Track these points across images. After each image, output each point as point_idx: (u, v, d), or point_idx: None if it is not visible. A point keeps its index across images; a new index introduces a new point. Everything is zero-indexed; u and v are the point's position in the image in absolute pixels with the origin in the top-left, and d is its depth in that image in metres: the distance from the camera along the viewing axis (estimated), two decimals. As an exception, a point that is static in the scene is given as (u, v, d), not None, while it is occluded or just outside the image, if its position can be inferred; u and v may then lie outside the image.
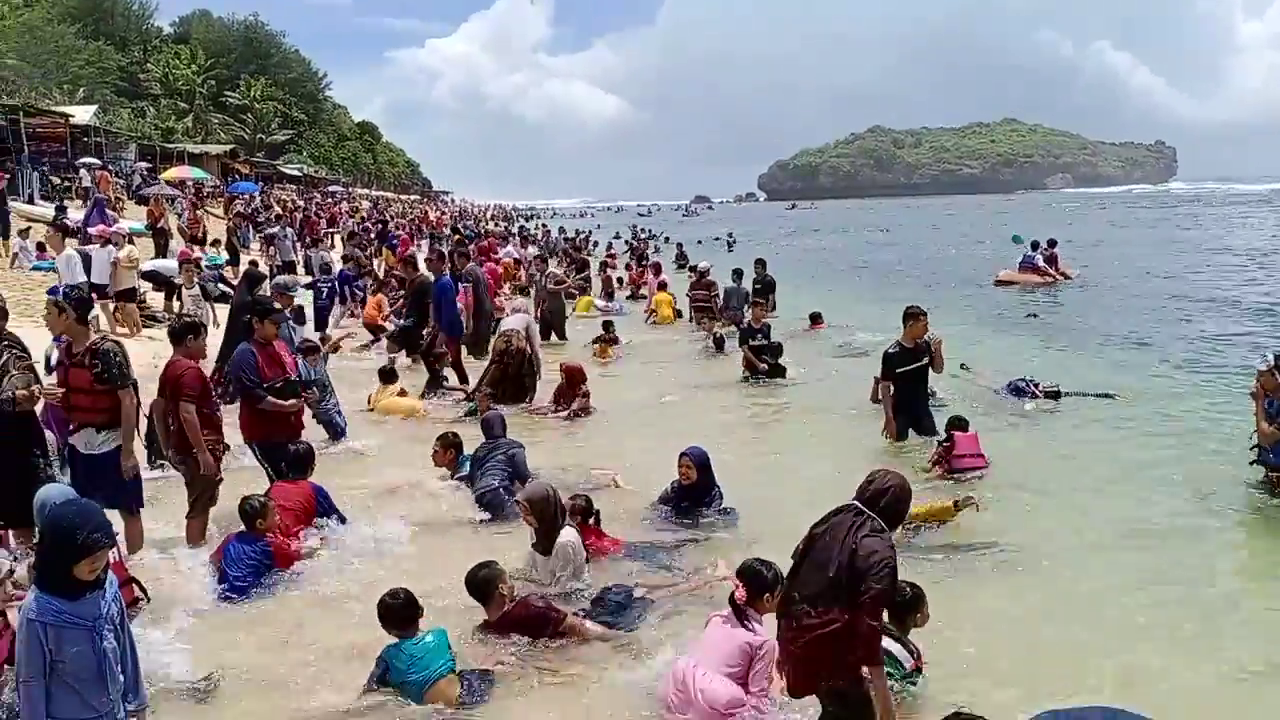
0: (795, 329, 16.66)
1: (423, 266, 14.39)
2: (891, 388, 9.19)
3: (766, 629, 4.48)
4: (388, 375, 11.32)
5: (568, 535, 5.90)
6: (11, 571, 4.36)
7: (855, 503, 4.05)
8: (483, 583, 5.24)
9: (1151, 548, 6.76)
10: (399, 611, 4.77)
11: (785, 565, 4.62)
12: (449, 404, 11.45)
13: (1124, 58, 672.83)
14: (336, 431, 9.58)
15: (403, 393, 11.24)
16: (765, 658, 4.41)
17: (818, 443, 9.84)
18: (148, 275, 16.64)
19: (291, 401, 7.42)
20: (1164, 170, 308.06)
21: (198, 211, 27.23)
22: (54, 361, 6.22)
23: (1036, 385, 11.10)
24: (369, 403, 10.98)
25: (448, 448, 8.32)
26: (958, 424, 8.56)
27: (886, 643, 4.22)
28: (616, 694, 4.77)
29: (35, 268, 17.99)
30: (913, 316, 9.21)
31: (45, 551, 3.39)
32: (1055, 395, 10.98)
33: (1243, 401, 10.31)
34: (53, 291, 6.44)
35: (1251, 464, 7.72)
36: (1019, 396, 11.01)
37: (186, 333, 6.72)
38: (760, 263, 19.59)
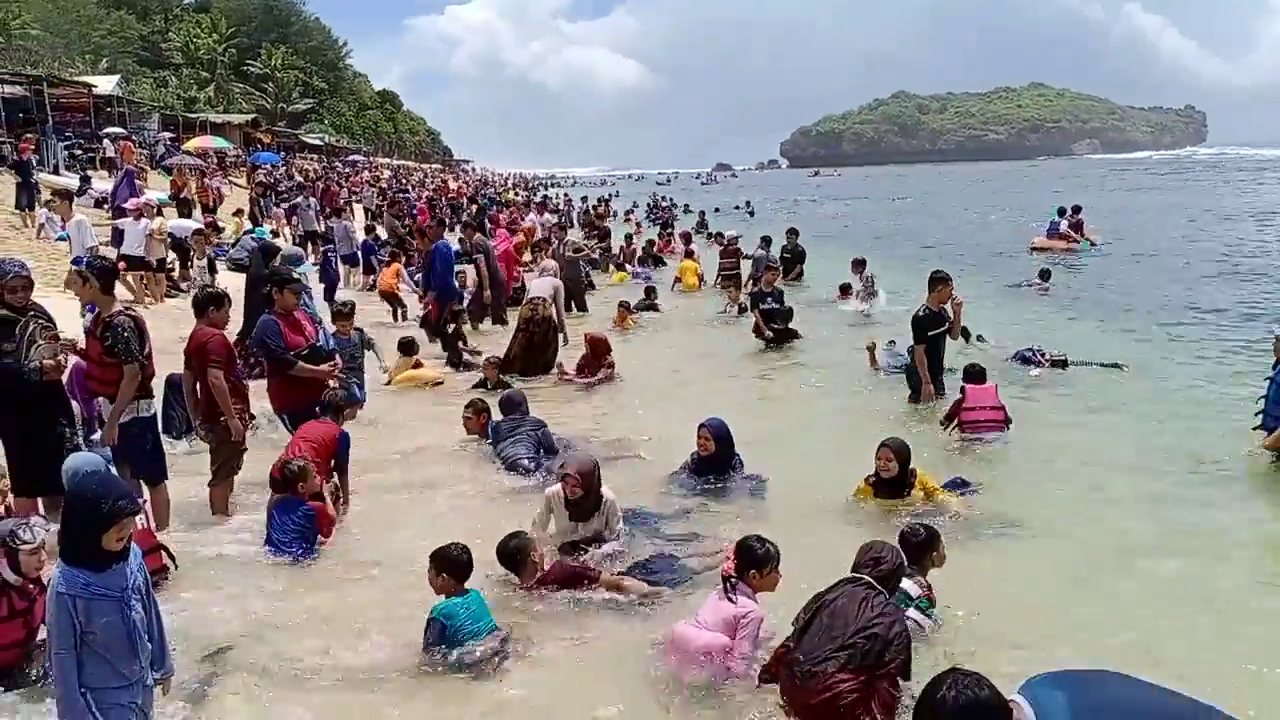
0: (823, 297, 16.65)
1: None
2: (923, 351, 9.24)
3: (755, 603, 4.53)
4: (407, 347, 11.31)
5: (609, 493, 6.07)
6: (43, 542, 4.41)
7: (865, 577, 4.19)
8: (515, 551, 5.37)
9: (1159, 516, 6.72)
10: (465, 564, 4.89)
11: (785, 541, 4.73)
12: (472, 376, 11.47)
13: (1154, 20, 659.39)
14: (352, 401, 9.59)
15: (418, 364, 11.25)
16: (748, 626, 4.45)
17: (833, 411, 9.94)
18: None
19: (324, 366, 7.43)
20: (1193, 135, 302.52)
21: (206, 180, 27.20)
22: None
23: (1044, 354, 11.09)
24: (387, 377, 10.97)
25: (479, 413, 8.35)
26: (971, 374, 8.54)
27: (905, 584, 4.61)
28: (626, 653, 4.83)
29: (60, 238, 18.12)
30: (940, 281, 9.38)
31: (71, 523, 3.39)
32: (1062, 364, 10.94)
33: (1240, 368, 10.50)
34: (76, 261, 6.46)
35: (1255, 429, 7.66)
36: (1025, 365, 10.99)
37: (209, 303, 6.74)
38: (792, 232, 19.74)
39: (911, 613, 4.60)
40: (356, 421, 9.08)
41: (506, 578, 5.46)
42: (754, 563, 4.57)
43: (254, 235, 19.36)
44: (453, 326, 12.60)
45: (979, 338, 11.86)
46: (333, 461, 6.69)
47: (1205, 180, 66.17)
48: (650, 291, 16.82)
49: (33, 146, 23.80)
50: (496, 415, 8.41)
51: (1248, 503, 7.10)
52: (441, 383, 11.07)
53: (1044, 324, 14.17)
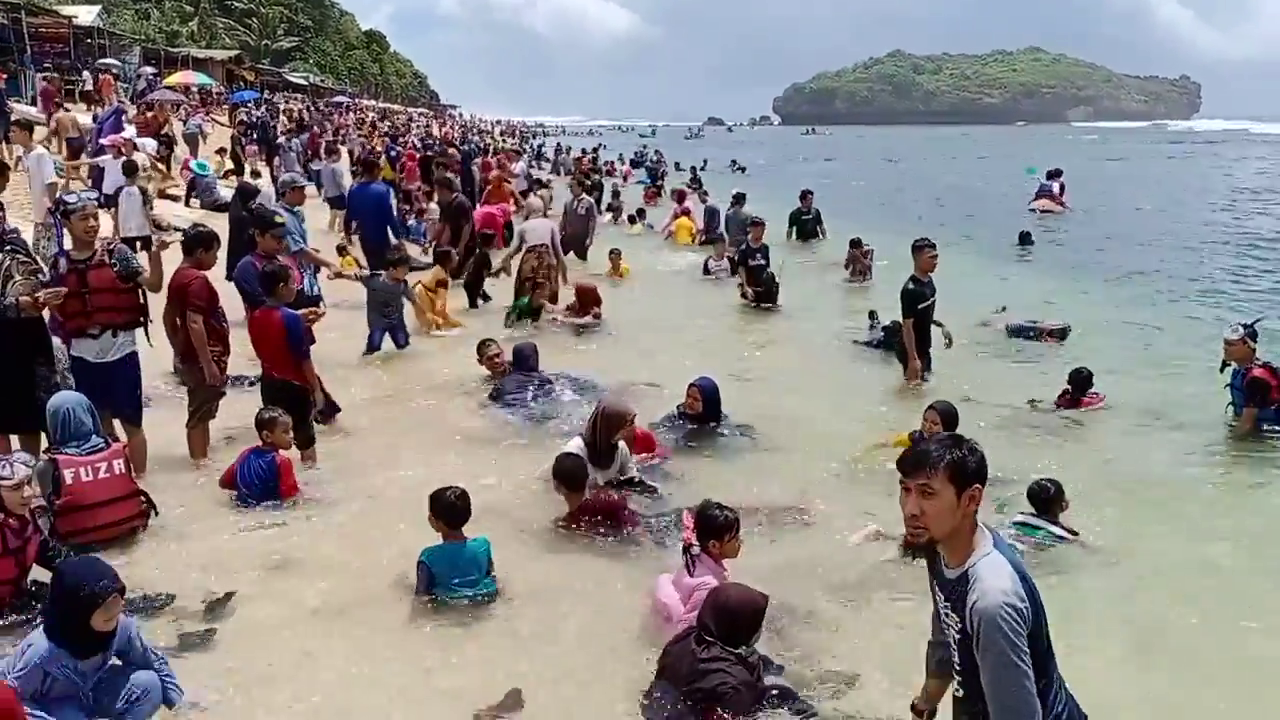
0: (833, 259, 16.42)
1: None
2: (911, 326, 8.65)
3: (712, 575, 4.41)
4: (444, 258, 11.37)
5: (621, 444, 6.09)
6: (27, 478, 4.34)
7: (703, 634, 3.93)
8: (575, 469, 5.50)
9: (1157, 495, 6.67)
10: (458, 509, 4.79)
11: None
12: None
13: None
14: (370, 346, 9.62)
15: (443, 284, 11.15)
16: (692, 598, 4.31)
17: (807, 375, 9.81)
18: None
19: (303, 311, 7.24)
20: (1187, 106, 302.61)
21: (149, 114, 26.16)
22: (64, 270, 6.07)
23: (1041, 328, 10.90)
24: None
25: (493, 357, 8.42)
26: (1078, 381, 8.30)
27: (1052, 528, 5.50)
28: (623, 607, 4.82)
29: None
30: (920, 249, 8.74)
31: (58, 607, 3.47)
32: (1062, 335, 10.82)
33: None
34: (84, 196, 6.23)
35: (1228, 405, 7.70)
36: (1020, 337, 10.88)
37: (199, 244, 6.59)
38: (807, 194, 18.80)
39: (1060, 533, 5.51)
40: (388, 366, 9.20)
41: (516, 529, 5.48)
42: (713, 531, 4.47)
43: (198, 171, 18.88)
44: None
45: (1002, 308, 11.74)
46: (291, 348, 6.45)
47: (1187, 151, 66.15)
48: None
49: (6, 75, 23.24)
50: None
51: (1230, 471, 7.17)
52: (460, 327, 10.90)
53: (1035, 290, 14.13)
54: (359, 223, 12.67)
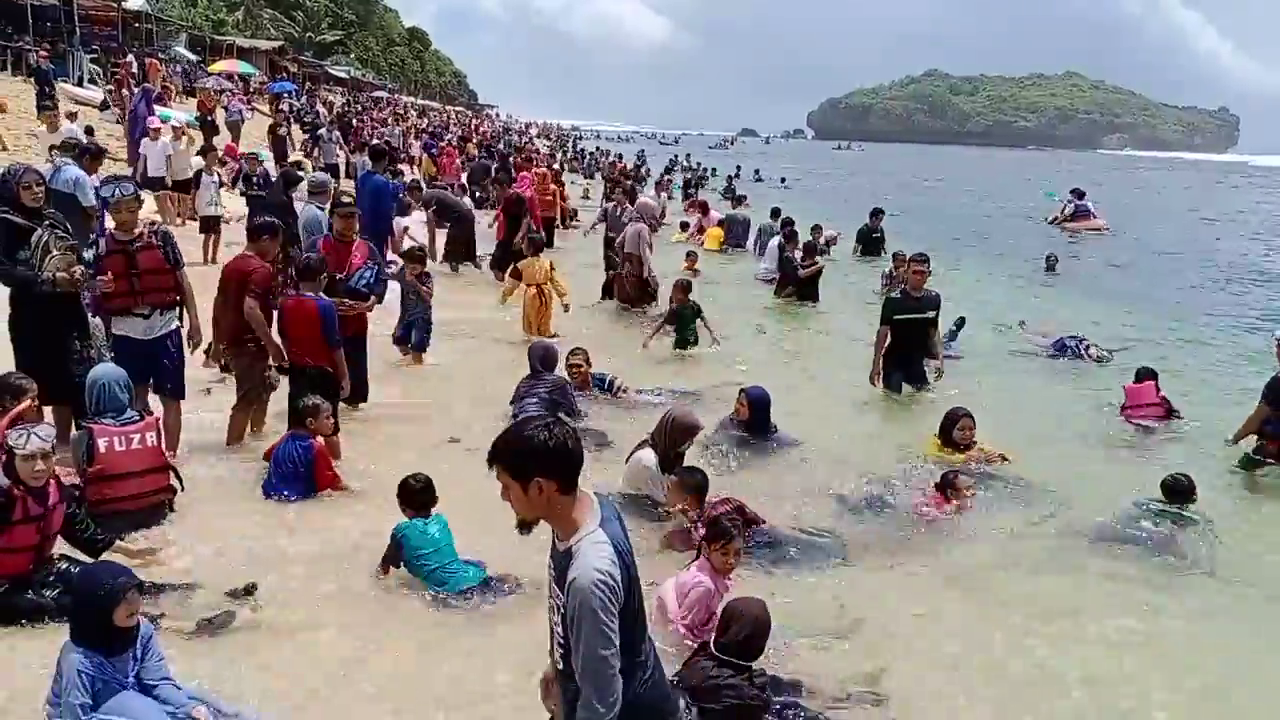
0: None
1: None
2: (888, 334, 8.67)
3: (704, 576, 4.49)
4: (538, 245, 11.26)
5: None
6: (42, 450, 4.38)
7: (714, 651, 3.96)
8: (705, 482, 5.58)
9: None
10: (416, 494, 5.13)
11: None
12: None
13: (1192, 16, 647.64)
14: (395, 337, 9.47)
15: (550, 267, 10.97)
16: (688, 595, 4.48)
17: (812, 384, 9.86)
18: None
19: (355, 302, 7.26)
20: (1225, 138, 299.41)
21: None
22: (102, 251, 6.15)
23: (1086, 346, 10.97)
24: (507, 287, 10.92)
25: (588, 361, 8.34)
26: (1138, 374, 8.71)
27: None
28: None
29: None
30: (913, 262, 8.85)
31: (81, 610, 3.61)
32: (1104, 360, 10.83)
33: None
34: (121, 188, 6.27)
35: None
36: (1063, 353, 10.95)
37: (264, 231, 6.69)
38: (878, 213, 19.25)
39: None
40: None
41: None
42: (709, 535, 4.61)
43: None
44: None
45: (1021, 323, 11.71)
46: (325, 337, 6.48)
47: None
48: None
49: (47, 53, 23.54)
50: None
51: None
52: (566, 296, 10.97)
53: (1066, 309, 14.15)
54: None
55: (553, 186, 19.06)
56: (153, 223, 7.03)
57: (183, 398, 6.42)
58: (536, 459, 2.49)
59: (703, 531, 4.77)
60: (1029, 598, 5.34)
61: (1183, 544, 5.85)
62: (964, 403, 7.51)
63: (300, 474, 5.96)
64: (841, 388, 9.36)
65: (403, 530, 5.00)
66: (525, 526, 2.57)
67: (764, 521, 5.69)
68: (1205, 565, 5.71)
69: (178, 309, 6.32)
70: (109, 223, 6.53)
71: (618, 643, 2.47)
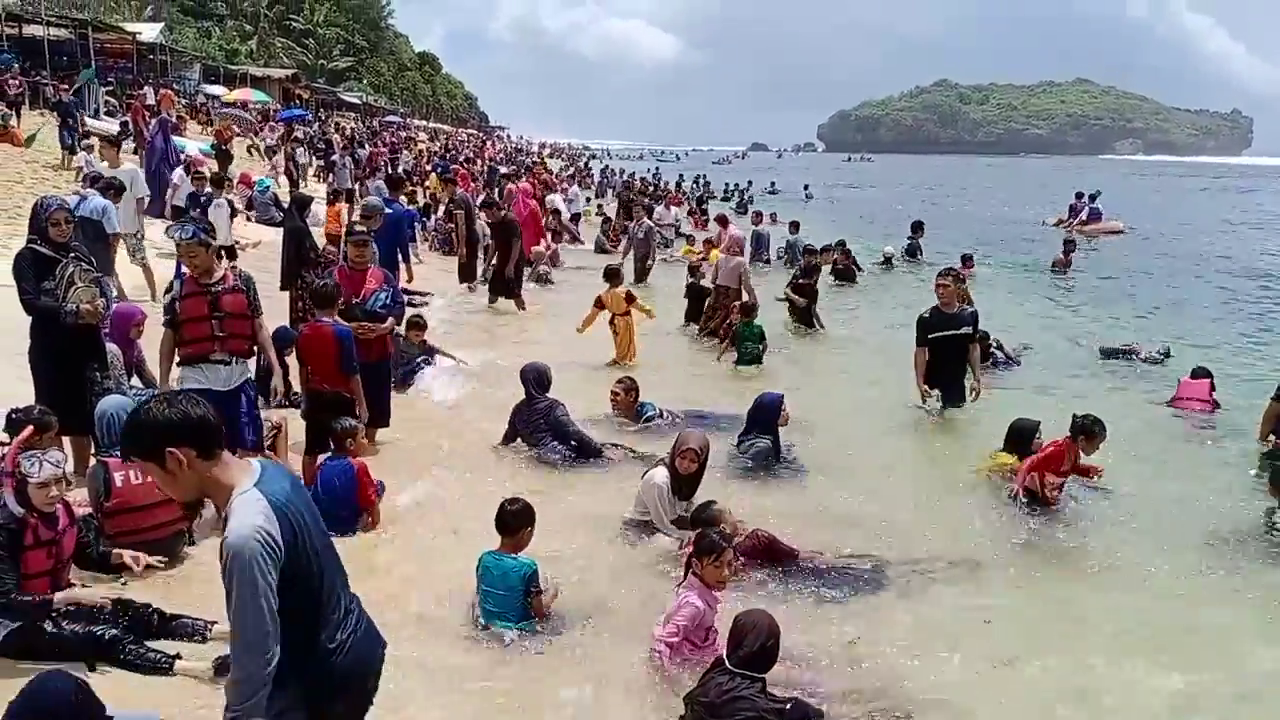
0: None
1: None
2: (925, 354, 8.47)
3: (694, 593, 4.48)
4: (613, 275, 11.00)
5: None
6: (54, 478, 4.38)
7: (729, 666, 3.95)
8: (714, 516, 5.38)
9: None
10: (507, 518, 4.90)
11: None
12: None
13: (1202, 20, 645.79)
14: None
15: (630, 297, 10.67)
16: (677, 613, 4.47)
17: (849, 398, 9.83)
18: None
19: (373, 324, 7.20)
20: (1239, 141, 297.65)
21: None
22: (178, 293, 5.73)
23: (1134, 354, 11.27)
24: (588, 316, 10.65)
25: (629, 391, 8.22)
26: (1194, 371, 9.28)
27: None
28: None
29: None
30: (938, 278, 8.61)
31: None
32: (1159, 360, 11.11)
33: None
34: (182, 231, 5.94)
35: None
36: (1114, 358, 11.24)
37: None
38: (919, 226, 20.81)
39: None
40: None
41: None
42: (698, 551, 4.55)
43: (259, 188, 19.39)
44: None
45: (1025, 347, 11.68)
46: (342, 364, 6.41)
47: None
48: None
49: (66, 88, 23.82)
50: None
51: None
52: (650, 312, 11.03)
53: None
54: None
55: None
56: (233, 266, 6.93)
57: (262, 449, 6.10)
58: (159, 432, 2.45)
59: (686, 548, 4.72)
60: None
61: None
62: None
63: (344, 499, 5.89)
64: (872, 407, 9.29)
65: (481, 560, 4.90)
66: (190, 509, 2.55)
67: (798, 553, 5.56)
68: None
69: (250, 359, 6.02)
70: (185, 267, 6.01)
71: (276, 603, 2.40)
